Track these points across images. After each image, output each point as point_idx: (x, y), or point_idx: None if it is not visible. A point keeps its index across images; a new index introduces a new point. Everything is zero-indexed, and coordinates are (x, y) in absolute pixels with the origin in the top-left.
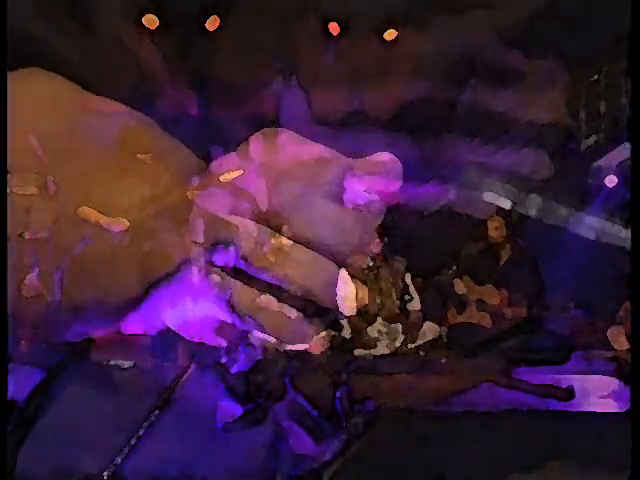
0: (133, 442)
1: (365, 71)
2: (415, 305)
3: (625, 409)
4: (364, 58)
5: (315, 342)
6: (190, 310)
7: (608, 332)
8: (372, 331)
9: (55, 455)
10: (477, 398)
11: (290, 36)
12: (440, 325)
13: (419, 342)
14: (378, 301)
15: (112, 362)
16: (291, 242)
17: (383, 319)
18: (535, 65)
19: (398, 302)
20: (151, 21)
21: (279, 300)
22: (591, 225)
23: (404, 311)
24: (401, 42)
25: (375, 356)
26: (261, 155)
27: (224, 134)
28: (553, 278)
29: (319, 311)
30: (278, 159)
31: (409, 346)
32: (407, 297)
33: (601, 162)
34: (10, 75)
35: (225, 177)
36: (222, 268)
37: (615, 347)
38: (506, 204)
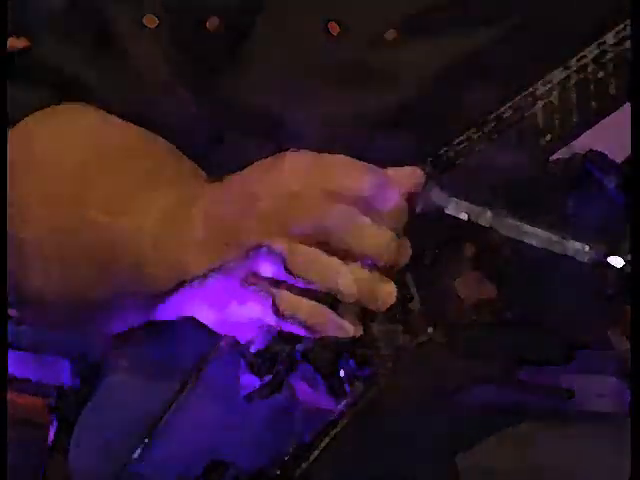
0: (164, 418)
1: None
2: (415, 305)
3: (625, 409)
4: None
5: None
6: (233, 312)
7: (608, 332)
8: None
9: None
10: (476, 398)
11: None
12: (440, 324)
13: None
14: None
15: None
16: None
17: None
18: None
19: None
20: None
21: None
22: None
23: (404, 311)
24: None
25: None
26: None
27: None
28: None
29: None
30: None
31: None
32: (407, 296)
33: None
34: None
35: None
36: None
37: (615, 347)
38: (464, 217)
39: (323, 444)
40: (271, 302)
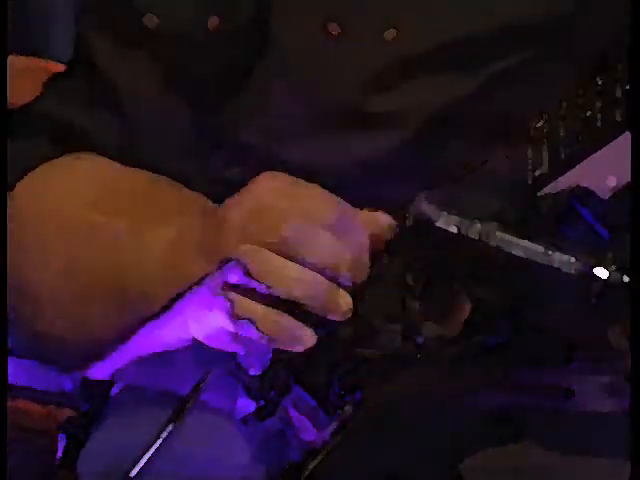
0: (162, 437)
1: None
2: (414, 306)
3: (625, 409)
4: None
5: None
6: (208, 322)
7: (608, 332)
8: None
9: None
10: (477, 400)
11: None
12: (440, 325)
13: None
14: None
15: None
16: None
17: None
18: None
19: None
20: None
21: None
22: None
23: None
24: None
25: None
26: None
27: None
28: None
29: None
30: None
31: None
32: (407, 297)
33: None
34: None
35: None
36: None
37: (615, 347)
38: (453, 229)
39: (313, 464)
40: (229, 307)
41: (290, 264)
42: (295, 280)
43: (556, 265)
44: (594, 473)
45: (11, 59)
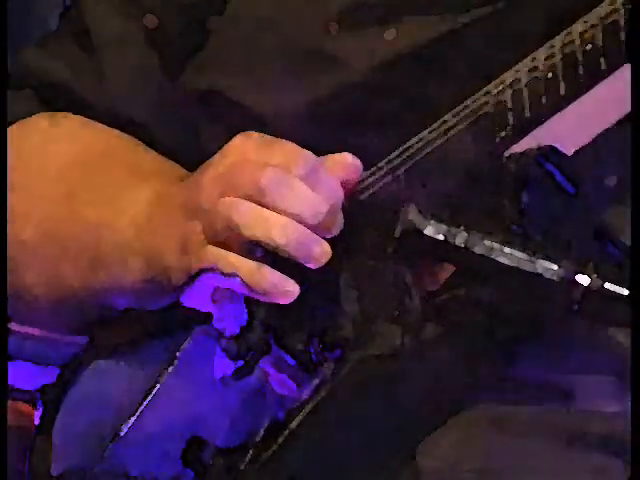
0: (148, 399)
1: None
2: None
3: (625, 409)
4: None
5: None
6: (192, 280)
7: (608, 332)
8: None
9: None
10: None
11: None
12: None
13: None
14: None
15: None
16: None
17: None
18: None
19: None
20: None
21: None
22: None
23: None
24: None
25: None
26: None
27: None
28: None
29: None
30: None
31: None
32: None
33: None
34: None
35: None
36: None
37: (614, 347)
38: (441, 237)
39: (295, 424)
40: (216, 265)
41: (269, 212)
42: (275, 226)
43: (539, 272)
44: (594, 473)
45: None
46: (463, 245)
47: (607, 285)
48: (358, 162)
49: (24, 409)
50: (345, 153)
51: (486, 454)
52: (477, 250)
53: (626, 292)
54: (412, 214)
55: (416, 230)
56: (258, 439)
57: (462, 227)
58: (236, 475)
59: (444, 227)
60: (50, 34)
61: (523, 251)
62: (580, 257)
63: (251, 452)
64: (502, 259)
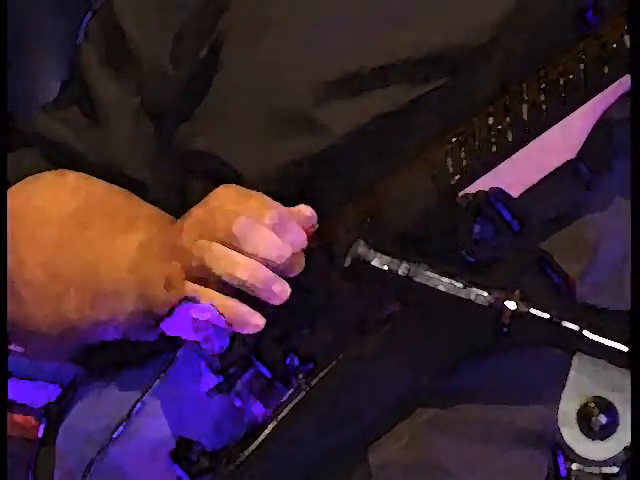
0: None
1: None
2: None
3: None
4: None
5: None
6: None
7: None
8: None
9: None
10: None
11: None
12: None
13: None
14: None
15: None
16: None
17: None
18: None
19: None
20: None
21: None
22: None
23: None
24: None
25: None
26: None
27: None
28: None
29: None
30: None
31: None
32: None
33: None
34: None
35: None
36: None
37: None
38: (385, 268)
39: (269, 429)
40: (193, 297)
41: (237, 254)
42: (239, 266)
43: (472, 298)
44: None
45: None
46: (405, 275)
47: (532, 310)
48: (314, 214)
49: (28, 422)
50: (303, 205)
51: (430, 452)
52: (417, 279)
53: (547, 316)
54: (360, 248)
55: (364, 261)
56: (237, 442)
57: (405, 260)
58: (219, 474)
59: (388, 259)
60: (56, 99)
61: (458, 281)
62: (511, 285)
63: (230, 453)
64: (440, 287)
